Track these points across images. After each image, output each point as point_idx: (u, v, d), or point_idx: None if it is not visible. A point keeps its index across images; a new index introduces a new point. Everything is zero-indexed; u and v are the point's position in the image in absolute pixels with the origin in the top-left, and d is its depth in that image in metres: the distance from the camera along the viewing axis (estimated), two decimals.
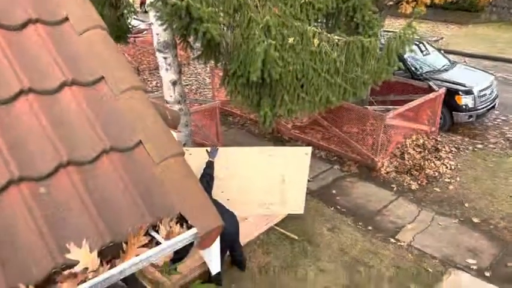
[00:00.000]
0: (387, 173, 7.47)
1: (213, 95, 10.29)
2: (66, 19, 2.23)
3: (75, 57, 2.14)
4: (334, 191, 7.06)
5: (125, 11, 6.92)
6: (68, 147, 1.90)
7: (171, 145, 2.08)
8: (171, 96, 6.29)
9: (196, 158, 5.27)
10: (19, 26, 2.12)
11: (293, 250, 5.68)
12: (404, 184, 7.19)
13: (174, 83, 6.23)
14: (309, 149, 5.71)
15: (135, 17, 12.18)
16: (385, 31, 8.58)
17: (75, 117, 1.98)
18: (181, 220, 1.99)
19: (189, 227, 1.97)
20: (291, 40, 4.93)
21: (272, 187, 5.86)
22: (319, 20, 5.66)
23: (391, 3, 7.71)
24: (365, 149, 7.67)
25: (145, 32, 13.84)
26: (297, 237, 5.88)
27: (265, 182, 5.78)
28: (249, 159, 5.60)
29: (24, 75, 1.97)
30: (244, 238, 5.67)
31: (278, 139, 8.80)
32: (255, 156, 5.61)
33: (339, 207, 6.63)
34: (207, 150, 5.42)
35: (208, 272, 4.93)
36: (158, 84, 11.22)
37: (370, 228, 6.15)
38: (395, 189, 7.09)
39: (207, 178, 5.06)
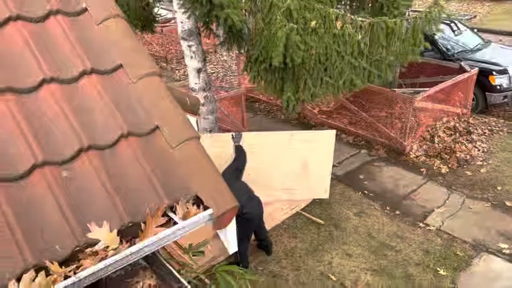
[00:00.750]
0: (416, 156, 7.32)
1: (238, 82, 10.32)
2: (85, 9, 2.31)
3: (94, 47, 2.22)
4: (361, 176, 6.99)
5: (151, 0, 7.01)
6: (89, 132, 1.99)
7: (186, 129, 2.14)
8: (196, 83, 6.38)
9: (220, 143, 5.33)
10: (41, 17, 2.22)
11: (319, 234, 5.69)
12: (434, 168, 7.03)
13: (199, 71, 6.31)
14: (333, 132, 5.67)
15: (163, 6, 12.38)
16: (414, 11, 8.32)
17: (95, 104, 2.07)
18: (198, 201, 2.05)
19: (205, 208, 2.04)
20: (313, 23, 4.88)
21: (296, 171, 5.86)
22: (342, 2, 5.56)
23: None
24: (393, 133, 7.54)
25: (172, 21, 13.97)
26: (323, 222, 5.89)
27: (290, 166, 5.78)
28: (273, 143, 5.60)
29: (46, 65, 2.07)
30: (270, 223, 5.74)
31: (305, 124, 8.77)
32: (278, 140, 5.61)
33: (366, 191, 6.58)
34: (232, 135, 5.47)
35: (234, 255, 5.07)
36: (186, 73, 11.38)
37: (398, 212, 6.07)
38: (424, 173, 6.95)
39: (237, 164, 5.05)
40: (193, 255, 4.12)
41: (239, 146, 5.28)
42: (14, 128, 1.89)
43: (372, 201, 6.34)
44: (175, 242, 5.09)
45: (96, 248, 1.77)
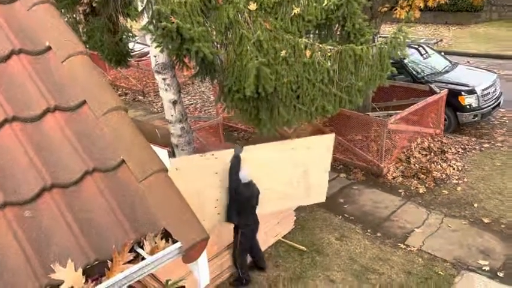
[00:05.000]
0: (394, 178, 7.42)
1: (216, 111, 10.40)
2: (49, 48, 2.32)
3: (58, 84, 2.22)
4: (341, 200, 7.03)
5: (124, 36, 7.08)
6: (52, 170, 1.96)
7: (153, 162, 2.13)
8: (172, 115, 6.39)
9: (222, 160, 5.14)
10: (3, 58, 2.22)
11: (302, 261, 5.65)
12: (412, 188, 7.12)
13: (174, 103, 6.33)
14: (332, 136, 5.64)
15: (138, 41, 12.48)
16: (382, 37, 8.62)
17: (58, 141, 2.05)
18: (166, 235, 2.03)
19: (174, 242, 2.01)
20: (283, 53, 4.99)
21: (294, 179, 5.65)
22: (311, 32, 5.72)
23: (385, 9, 7.76)
24: (370, 156, 7.65)
25: (148, 55, 14.07)
26: (305, 249, 5.85)
27: (288, 175, 5.57)
28: (271, 155, 5.37)
29: (9, 104, 2.06)
30: None
31: None
32: (277, 151, 5.38)
33: (346, 215, 6.60)
34: (234, 149, 5.20)
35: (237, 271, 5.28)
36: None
37: (379, 235, 6.09)
38: (403, 194, 7.03)
39: (235, 176, 5.00)
40: None
41: (236, 156, 5.09)
42: None
43: (353, 225, 6.35)
44: (155, 278, 4.97)
45: None
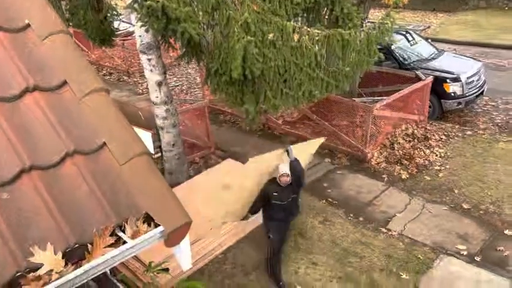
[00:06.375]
0: (377, 163, 7.49)
1: (203, 94, 10.30)
2: (28, 25, 2.24)
3: (38, 63, 2.16)
4: (325, 184, 7.09)
5: (108, 15, 6.92)
6: (31, 152, 1.92)
7: (135, 145, 2.10)
8: (157, 97, 6.31)
9: (264, 164, 5.10)
10: None
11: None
12: (395, 174, 7.21)
13: (159, 84, 6.25)
14: (322, 139, 5.68)
15: (124, 20, 12.21)
16: (370, 22, 8.59)
17: (38, 122, 2.01)
18: (148, 219, 2.01)
19: (156, 226, 2.00)
20: (270, 36, 4.94)
21: None
22: (299, 15, 5.66)
23: None
24: (355, 141, 7.70)
25: (134, 34, 13.81)
26: None
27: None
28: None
29: None
30: (235, 236, 5.72)
31: (269, 135, 8.82)
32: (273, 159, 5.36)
33: (330, 199, 6.66)
34: (287, 150, 5.02)
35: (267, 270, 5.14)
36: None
37: (361, 219, 6.18)
38: (386, 179, 7.11)
39: (298, 175, 4.88)
40: (157, 274, 4.03)
41: (294, 160, 4.94)
42: None
43: (336, 209, 6.42)
44: (139, 260, 4.97)
45: (39, 272, 1.69)
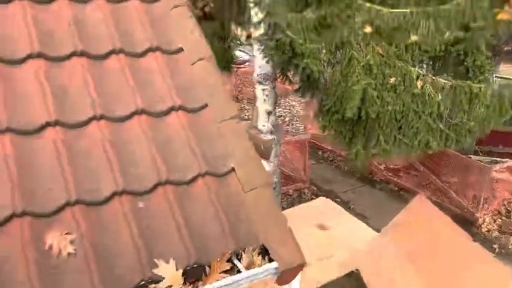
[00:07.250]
0: (488, 231, 6.76)
1: (304, 127, 10.34)
2: (181, 49, 2.43)
3: (185, 85, 2.31)
4: None
5: (232, 43, 7.33)
6: (169, 167, 2.03)
7: (260, 174, 2.12)
8: (264, 125, 6.44)
9: None
10: (141, 53, 2.36)
11: None
12: (509, 246, 6.42)
13: (269, 113, 6.38)
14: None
15: (241, 48, 12.88)
16: (499, 77, 7.96)
17: (179, 140, 2.12)
18: (263, 251, 1.99)
19: (270, 260, 1.96)
20: (392, 80, 4.80)
21: None
22: (424, 61, 5.44)
23: (509, 48, 7.16)
24: (465, 202, 7.04)
25: (247, 63, 14.49)
26: None
27: None
28: None
29: (140, 97, 2.18)
30: None
31: (368, 179, 8.48)
32: None
33: None
34: None
35: None
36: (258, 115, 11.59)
37: None
38: (497, 250, 6.37)
39: None
40: None
41: None
42: (102, 156, 1.97)
43: None
44: None
45: (160, 285, 1.74)
